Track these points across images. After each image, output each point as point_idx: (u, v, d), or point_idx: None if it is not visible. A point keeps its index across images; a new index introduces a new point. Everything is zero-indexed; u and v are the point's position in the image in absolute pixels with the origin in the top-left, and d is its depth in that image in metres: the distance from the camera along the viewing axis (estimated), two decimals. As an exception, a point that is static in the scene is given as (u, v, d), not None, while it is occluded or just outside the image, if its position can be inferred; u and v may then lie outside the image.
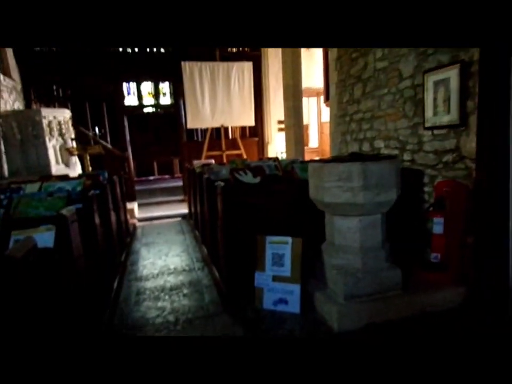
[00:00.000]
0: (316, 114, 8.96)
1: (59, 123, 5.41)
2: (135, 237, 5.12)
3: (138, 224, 5.98)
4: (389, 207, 2.41)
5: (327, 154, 9.36)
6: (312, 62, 8.63)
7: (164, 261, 3.99)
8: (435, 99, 2.76)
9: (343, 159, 2.40)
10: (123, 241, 4.47)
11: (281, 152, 7.87)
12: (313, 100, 8.70)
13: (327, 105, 7.52)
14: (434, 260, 2.74)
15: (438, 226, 2.71)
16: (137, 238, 5.06)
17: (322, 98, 8.64)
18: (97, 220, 2.79)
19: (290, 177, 3.81)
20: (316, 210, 2.68)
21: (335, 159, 2.43)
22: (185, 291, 3.09)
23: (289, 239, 2.70)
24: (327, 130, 9.46)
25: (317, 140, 9.63)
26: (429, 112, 2.84)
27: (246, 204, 2.89)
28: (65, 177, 4.18)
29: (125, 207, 4.91)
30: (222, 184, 2.84)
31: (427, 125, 2.88)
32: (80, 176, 4.02)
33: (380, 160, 2.28)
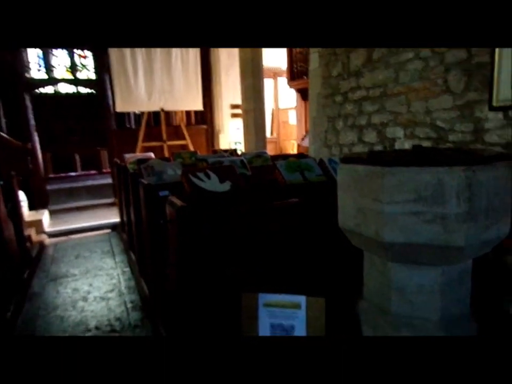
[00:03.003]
0: (272, 99, 7.84)
1: None
2: (40, 266, 3.57)
3: (48, 241, 4.37)
4: (492, 248, 1.35)
5: (286, 146, 8.34)
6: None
7: (81, 311, 2.59)
8: (517, 61, 1.75)
9: (402, 160, 1.27)
10: (16, 278, 2.94)
11: (236, 143, 6.64)
12: (269, 81, 7.55)
13: (291, 86, 6.44)
14: (517, 313, 1.78)
15: (525, 261, 1.74)
16: (43, 268, 3.52)
17: (280, 80, 7.55)
18: None
19: (270, 180, 2.63)
20: (336, 243, 1.56)
21: (388, 159, 1.30)
22: None
23: (301, 299, 1.53)
24: (285, 118, 8.44)
25: (270, 128, 8.55)
26: (503, 83, 1.82)
27: (219, 235, 1.65)
28: None
29: (19, 223, 3.34)
30: (179, 203, 1.55)
31: (498, 103, 1.87)
32: None
33: (491, 163, 1.19)
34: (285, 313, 1.54)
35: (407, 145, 2.48)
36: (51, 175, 7.59)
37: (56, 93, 8.36)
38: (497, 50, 1.83)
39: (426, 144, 2.34)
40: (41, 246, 4.12)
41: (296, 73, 5.92)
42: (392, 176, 1.21)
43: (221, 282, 1.62)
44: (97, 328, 2.35)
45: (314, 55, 3.51)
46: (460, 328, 1.35)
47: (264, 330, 1.55)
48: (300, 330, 1.52)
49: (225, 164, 2.82)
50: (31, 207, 4.95)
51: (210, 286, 1.63)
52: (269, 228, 1.73)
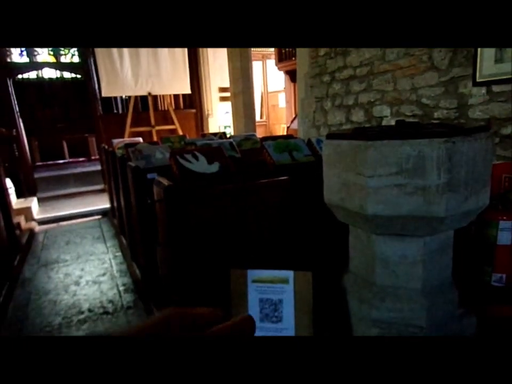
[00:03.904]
0: (261, 82, 7.76)
1: None
2: (30, 253, 3.56)
3: (38, 228, 4.35)
4: (472, 219, 1.39)
5: (276, 130, 8.31)
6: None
7: (73, 295, 2.61)
8: (500, 36, 1.75)
9: (385, 134, 1.28)
10: (6, 265, 2.94)
11: (225, 127, 6.60)
12: (257, 64, 7.45)
13: (279, 68, 6.38)
14: (497, 284, 1.84)
15: (505, 233, 1.79)
16: (34, 254, 3.51)
17: (269, 62, 7.46)
18: None
19: (258, 161, 2.64)
20: (323, 219, 1.59)
21: (371, 133, 1.32)
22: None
23: (289, 274, 1.56)
24: (274, 101, 8.38)
25: (259, 112, 8.50)
26: (486, 58, 1.84)
27: (207, 213, 1.67)
28: None
29: (7, 210, 3.31)
30: (166, 183, 1.56)
31: (481, 78, 1.88)
32: None
33: (471, 135, 1.22)
34: (273, 288, 1.58)
35: (393, 123, 2.50)
36: (38, 163, 7.49)
37: (40, 78, 8.16)
38: (480, 25, 1.84)
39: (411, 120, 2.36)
40: (31, 233, 4.09)
41: (284, 54, 5.85)
42: (375, 149, 1.23)
43: (211, 260, 1.65)
44: (90, 310, 2.37)
45: (301, 35, 3.47)
46: (442, 296, 1.40)
47: (253, 305, 1.59)
48: (288, 304, 1.57)
49: (215, 146, 2.81)
50: (19, 195, 4.90)
51: (199, 263, 1.65)
52: (257, 206, 1.75)
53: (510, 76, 1.76)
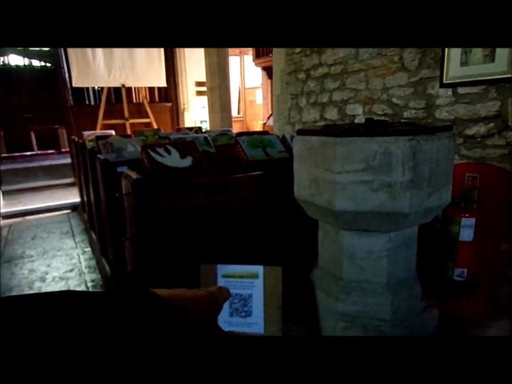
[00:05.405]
0: (239, 78, 7.71)
1: None
2: (-8, 248, 3.40)
3: (2, 223, 4.15)
4: (434, 216, 1.43)
5: (253, 126, 8.29)
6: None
7: (38, 291, 2.50)
8: (466, 40, 1.82)
9: (353, 131, 1.31)
10: (-35, 261, 2.79)
11: (201, 122, 6.52)
12: (235, 59, 7.40)
13: (257, 64, 6.36)
14: (458, 278, 1.92)
15: (467, 230, 1.87)
16: (-3, 249, 3.36)
17: (246, 58, 7.42)
18: None
19: (232, 156, 2.63)
20: (294, 215, 1.61)
21: (342, 130, 1.33)
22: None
23: (259, 269, 1.57)
24: (252, 97, 8.35)
25: (237, 107, 8.45)
26: (453, 60, 1.90)
27: (177, 208, 1.64)
28: None
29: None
30: (134, 176, 1.53)
31: (448, 80, 1.95)
32: None
33: (434, 134, 1.25)
34: (243, 283, 1.58)
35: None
36: (4, 155, 7.16)
37: (5, 65, 7.76)
38: (448, 28, 1.90)
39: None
40: (-6, 227, 3.91)
41: (261, 51, 5.84)
42: (343, 146, 1.25)
43: (180, 255, 1.63)
44: (55, 307, 2.29)
45: (278, 31, 3.47)
46: (405, 290, 1.45)
47: (223, 300, 1.58)
48: (257, 299, 1.57)
49: (188, 140, 2.78)
50: (-18, 188, 4.67)
51: (168, 258, 1.63)
52: (228, 201, 1.74)
53: (474, 79, 1.83)
